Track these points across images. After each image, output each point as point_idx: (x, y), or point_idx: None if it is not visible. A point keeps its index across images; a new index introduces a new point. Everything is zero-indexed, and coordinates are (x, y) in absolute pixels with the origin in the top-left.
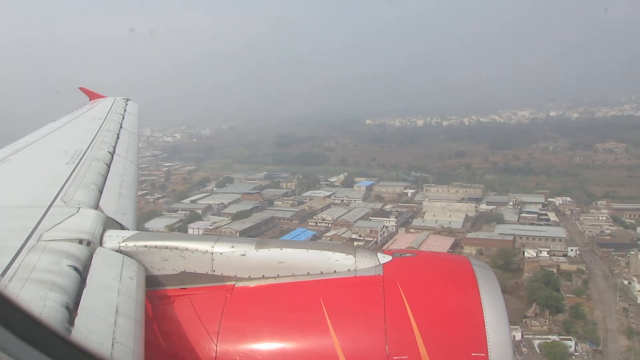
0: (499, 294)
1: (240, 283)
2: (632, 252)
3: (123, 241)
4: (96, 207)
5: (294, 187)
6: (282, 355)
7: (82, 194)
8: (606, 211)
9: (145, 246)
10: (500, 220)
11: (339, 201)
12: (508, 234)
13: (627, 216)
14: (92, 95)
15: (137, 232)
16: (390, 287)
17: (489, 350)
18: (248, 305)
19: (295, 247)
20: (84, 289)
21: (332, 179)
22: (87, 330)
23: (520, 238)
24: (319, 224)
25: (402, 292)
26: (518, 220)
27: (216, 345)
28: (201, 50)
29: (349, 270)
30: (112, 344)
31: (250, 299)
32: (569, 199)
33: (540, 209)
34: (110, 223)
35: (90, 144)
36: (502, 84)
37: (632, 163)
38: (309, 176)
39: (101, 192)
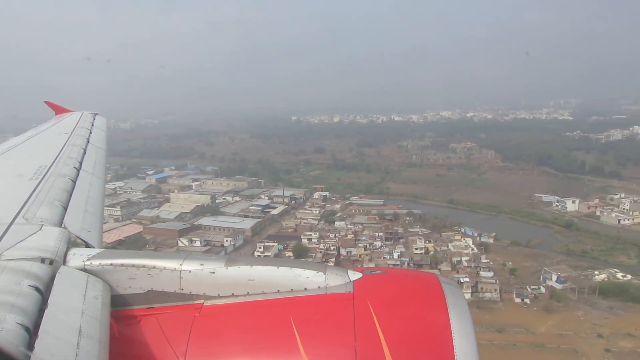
0: (467, 310)
1: (209, 301)
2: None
3: (88, 259)
4: (60, 224)
5: None
6: None
7: (46, 211)
8: (338, 206)
9: (111, 264)
10: (216, 211)
11: (122, 192)
12: (187, 224)
13: (356, 211)
14: (58, 110)
15: (102, 250)
16: (360, 304)
17: None
18: (217, 324)
19: (265, 264)
20: (45, 310)
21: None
22: (47, 354)
23: (203, 228)
24: None
25: (371, 310)
26: (236, 213)
27: None
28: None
29: (319, 287)
30: None
31: (219, 317)
32: (327, 194)
33: (272, 202)
34: (75, 241)
35: (55, 160)
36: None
37: (457, 162)
38: (134, 167)
39: (66, 209)
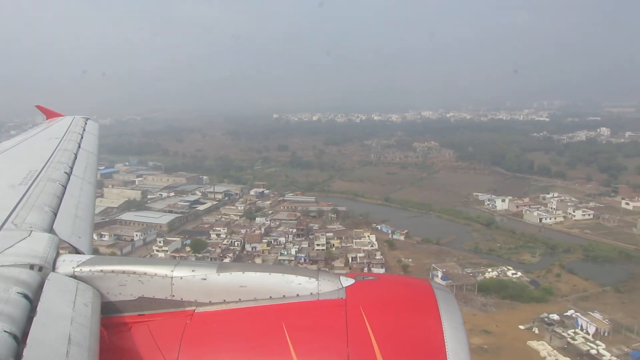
0: (459, 317)
1: (200, 308)
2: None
3: (78, 266)
4: (50, 230)
5: None
6: None
7: (35, 217)
8: (269, 202)
9: (102, 271)
10: (142, 207)
11: None
12: (106, 219)
13: (284, 207)
14: (49, 114)
15: (93, 256)
16: (352, 310)
17: None
18: (209, 331)
19: (257, 271)
20: (34, 318)
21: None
22: None
23: (122, 223)
24: None
25: (364, 316)
26: (162, 208)
27: None
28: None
29: (311, 293)
30: None
31: (211, 324)
32: (265, 190)
33: (204, 198)
34: (65, 247)
35: (45, 164)
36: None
37: (412, 161)
38: None
39: (56, 215)
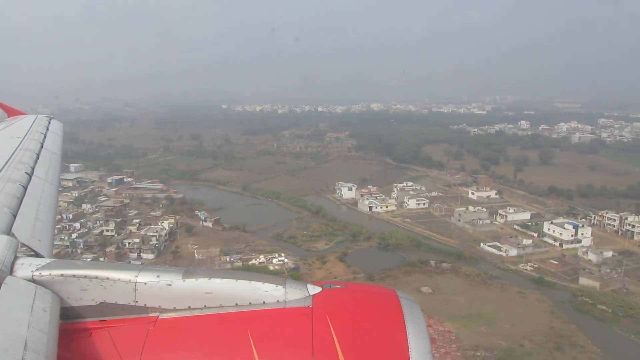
0: (424, 325)
1: (164, 314)
2: None
3: (37, 270)
4: (8, 232)
5: None
6: None
7: None
8: (115, 189)
9: (62, 275)
10: None
11: None
12: None
13: (125, 195)
14: (11, 112)
15: (53, 260)
16: (318, 319)
17: None
18: (172, 337)
19: (223, 277)
20: None
21: None
22: None
23: None
24: None
25: (330, 324)
26: None
27: None
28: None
29: (278, 301)
30: None
31: (174, 331)
32: (126, 178)
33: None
34: (24, 250)
35: (5, 164)
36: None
37: (310, 151)
38: None
39: (15, 216)
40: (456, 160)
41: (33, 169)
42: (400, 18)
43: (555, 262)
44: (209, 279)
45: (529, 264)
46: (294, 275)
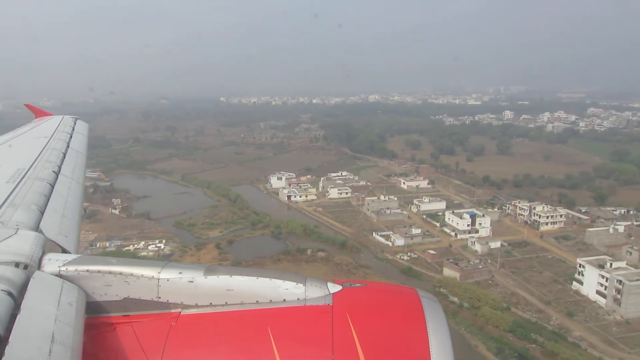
0: (445, 324)
1: (186, 310)
2: None
3: (64, 265)
4: (36, 228)
5: None
6: None
7: (22, 215)
8: None
9: (88, 271)
10: None
11: None
12: None
13: None
14: (39, 113)
15: (79, 255)
16: (339, 317)
17: None
18: (194, 333)
19: (245, 275)
20: (18, 316)
21: None
22: None
23: None
24: None
25: (350, 322)
26: None
27: None
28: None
29: (298, 299)
30: None
31: (196, 327)
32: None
33: None
34: (51, 246)
35: (33, 163)
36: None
37: (274, 142)
38: None
39: (43, 213)
40: (414, 150)
41: (60, 167)
42: (408, 8)
43: (433, 252)
44: (230, 276)
45: (410, 254)
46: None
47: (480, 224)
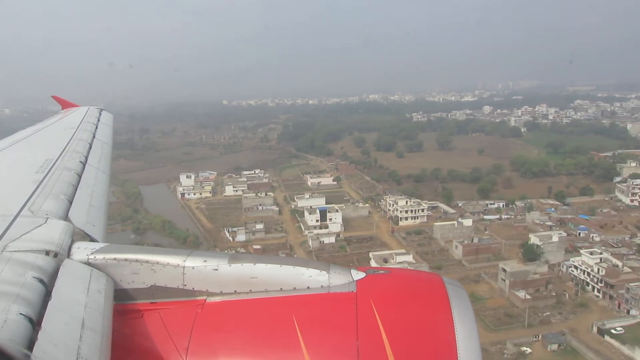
0: (471, 311)
1: (211, 298)
2: None
3: (92, 253)
4: (65, 217)
5: None
6: None
7: (51, 204)
8: None
9: (115, 259)
10: None
11: None
12: None
13: None
14: (65, 104)
15: (106, 244)
16: (363, 304)
17: None
18: (219, 320)
19: (268, 263)
20: (49, 302)
21: None
22: (50, 345)
23: None
24: None
25: (374, 309)
26: None
27: None
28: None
29: (322, 286)
30: (77, 359)
31: (221, 314)
32: None
33: None
34: (80, 235)
35: (61, 153)
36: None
37: (227, 142)
38: None
39: (71, 203)
40: (357, 148)
41: (87, 157)
42: (416, 7)
43: (258, 247)
44: (254, 264)
45: (240, 249)
46: None
47: (331, 219)
